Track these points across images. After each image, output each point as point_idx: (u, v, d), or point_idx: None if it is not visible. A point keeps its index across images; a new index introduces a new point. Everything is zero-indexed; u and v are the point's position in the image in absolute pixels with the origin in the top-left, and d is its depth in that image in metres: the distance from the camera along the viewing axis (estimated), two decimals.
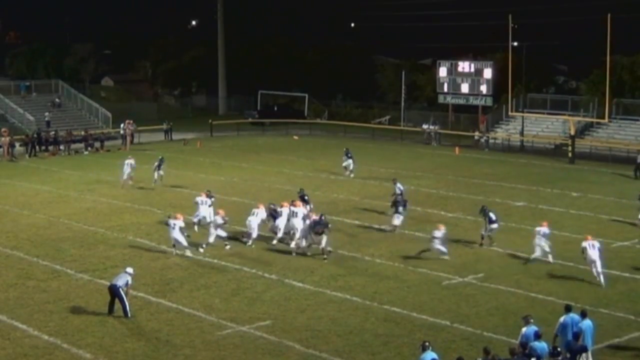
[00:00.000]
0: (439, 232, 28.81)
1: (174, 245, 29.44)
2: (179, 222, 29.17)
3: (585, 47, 75.73)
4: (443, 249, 28.71)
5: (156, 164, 42.45)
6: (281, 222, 30.79)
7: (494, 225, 30.55)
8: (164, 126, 63.90)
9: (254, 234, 30.60)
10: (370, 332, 21.97)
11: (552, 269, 27.66)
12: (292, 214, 30.32)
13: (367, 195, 40.45)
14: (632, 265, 28.00)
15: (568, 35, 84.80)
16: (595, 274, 25.86)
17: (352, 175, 45.49)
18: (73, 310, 23.74)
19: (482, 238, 30.72)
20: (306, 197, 33.98)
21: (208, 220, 31.84)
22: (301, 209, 30.41)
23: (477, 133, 61.64)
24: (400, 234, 32.54)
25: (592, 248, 25.89)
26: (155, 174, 42.26)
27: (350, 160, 46.11)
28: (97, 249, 30.56)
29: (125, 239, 31.75)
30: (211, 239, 29.84)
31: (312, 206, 33.42)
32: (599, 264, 25.84)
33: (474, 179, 45.46)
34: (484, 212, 30.91)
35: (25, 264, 28.64)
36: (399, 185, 36.56)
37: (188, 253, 29.15)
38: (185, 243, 29.13)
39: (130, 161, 42.51)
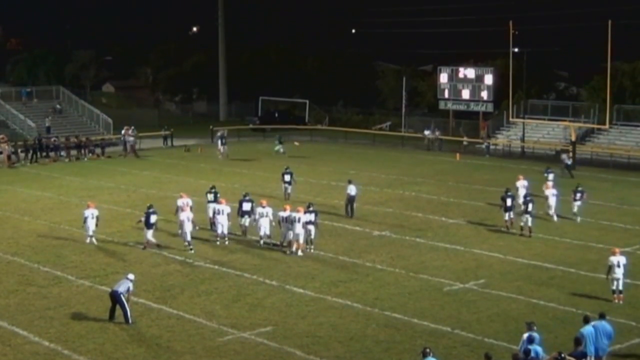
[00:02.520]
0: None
1: (90, 236, 31.90)
2: (95, 212, 31.92)
3: (586, 53, 75.87)
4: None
5: (222, 141, 55.43)
6: (264, 222, 31.18)
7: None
8: (163, 132, 63.91)
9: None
10: (371, 339, 21.95)
11: (553, 275, 27.65)
12: (283, 220, 30.50)
13: (367, 201, 40.43)
14: (633, 272, 27.95)
15: (569, 41, 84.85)
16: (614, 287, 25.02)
17: (285, 154, 55.55)
18: (74, 317, 23.73)
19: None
20: (291, 175, 40.40)
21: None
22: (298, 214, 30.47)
23: (465, 138, 61.82)
24: (401, 239, 32.57)
25: (618, 266, 24.80)
26: (222, 149, 54.95)
27: (281, 145, 56.54)
28: (98, 255, 30.56)
29: (126, 245, 31.75)
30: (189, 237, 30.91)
31: (292, 187, 40.20)
32: (621, 282, 24.93)
33: (475, 185, 45.48)
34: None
35: (26, 270, 28.64)
36: (351, 186, 37.01)
37: (88, 240, 31.85)
38: (90, 232, 31.78)
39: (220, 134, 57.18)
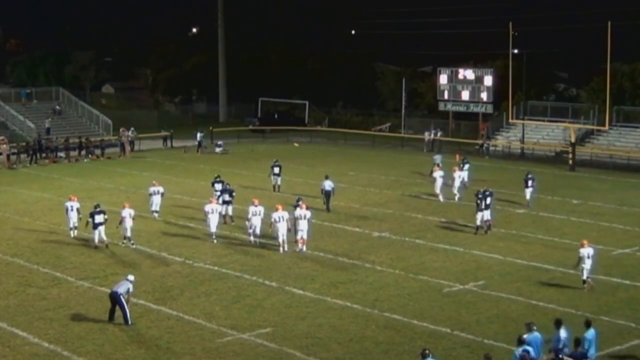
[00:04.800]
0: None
1: (73, 228, 32.82)
2: (75, 204, 32.84)
3: (586, 54, 75.89)
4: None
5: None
6: (256, 221, 31.41)
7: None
8: (162, 133, 63.94)
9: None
10: (370, 340, 21.95)
11: (552, 276, 27.65)
12: (279, 219, 30.55)
13: (367, 202, 40.48)
14: (633, 273, 27.98)
15: (568, 42, 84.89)
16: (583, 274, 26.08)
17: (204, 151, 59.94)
18: (73, 318, 23.74)
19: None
20: (280, 168, 42.75)
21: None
22: (285, 213, 30.68)
23: (481, 142, 61.76)
24: (400, 241, 32.57)
25: (588, 257, 25.96)
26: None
27: (201, 138, 60.47)
28: (97, 256, 30.55)
29: (126, 246, 31.74)
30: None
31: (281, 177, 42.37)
32: (585, 271, 26.01)
33: (474, 186, 45.30)
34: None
35: (26, 271, 28.64)
36: (328, 182, 38.01)
37: (71, 233, 32.83)
38: (74, 224, 32.72)
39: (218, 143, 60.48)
